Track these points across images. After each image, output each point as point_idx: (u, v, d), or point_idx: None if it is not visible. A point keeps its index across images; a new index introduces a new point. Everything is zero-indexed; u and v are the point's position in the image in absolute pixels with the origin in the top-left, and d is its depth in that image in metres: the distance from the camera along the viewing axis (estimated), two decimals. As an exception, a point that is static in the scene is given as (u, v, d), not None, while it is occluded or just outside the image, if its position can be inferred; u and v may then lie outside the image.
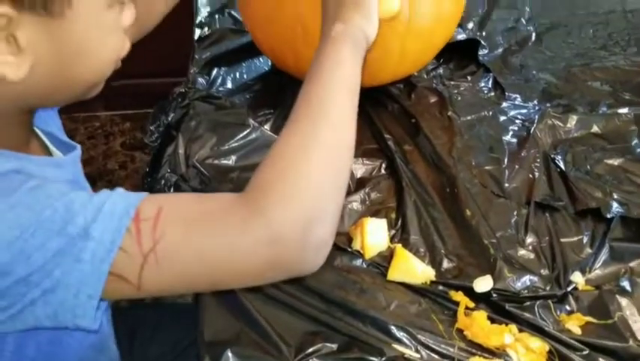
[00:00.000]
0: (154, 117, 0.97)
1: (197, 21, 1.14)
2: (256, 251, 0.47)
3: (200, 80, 1.00)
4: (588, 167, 0.85)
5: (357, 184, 0.81)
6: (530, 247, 0.73)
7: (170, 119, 0.94)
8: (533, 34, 1.14)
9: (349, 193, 0.79)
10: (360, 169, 0.83)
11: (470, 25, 1.13)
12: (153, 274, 0.46)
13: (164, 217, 0.46)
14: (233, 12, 1.15)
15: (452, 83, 1.00)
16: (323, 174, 0.50)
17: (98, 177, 1.93)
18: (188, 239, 0.47)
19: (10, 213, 0.44)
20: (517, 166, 0.84)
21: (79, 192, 0.47)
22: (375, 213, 0.77)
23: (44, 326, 0.47)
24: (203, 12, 1.17)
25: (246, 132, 0.86)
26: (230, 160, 0.83)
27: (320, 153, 0.50)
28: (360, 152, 0.86)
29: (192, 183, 0.79)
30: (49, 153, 0.61)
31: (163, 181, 0.81)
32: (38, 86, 0.49)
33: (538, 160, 0.85)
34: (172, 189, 0.80)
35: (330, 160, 0.51)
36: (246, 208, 0.48)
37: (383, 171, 0.84)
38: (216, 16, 1.15)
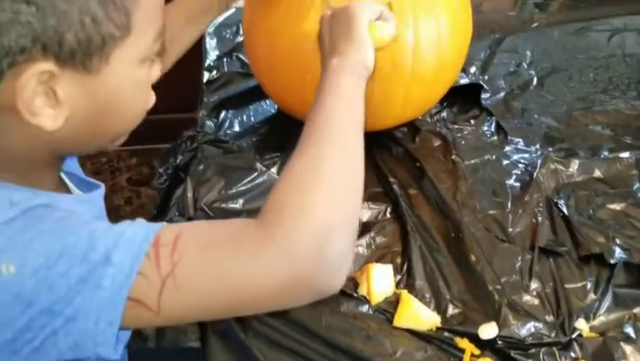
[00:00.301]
0: (163, 160, 0.99)
1: (206, 64, 1.17)
2: (272, 271, 0.47)
3: (209, 122, 1.02)
4: (591, 211, 0.86)
5: (362, 228, 0.82)
6: (535, 293, 0.74)
7: (178, 161, 0.95)
8: (535, 78, 1.16)
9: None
10: (366, 213, 0.85)
11: (473, 70, 1.16)
12: (172, 299, 0.47)
13: (182, 242, 0.48)
14: (240, 55, 1.18)
15: (456, 126, 1.02)
16: (332, 189, 0.51)
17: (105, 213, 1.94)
18: (204, 262, 0.48)
19: (36, 241, 0.46)
20: (520, 211, 0.85)
21: (102, 222, 0.49)
22: (381, 258, 0.77)
23: (66, 359, 0.47)
24: (212, 55, 1.20)
25: (253, 176, 0.88)
26: (238, 204, 0.85)
27: (327, 170, 0.52)
28: (366, 196, 0.86)
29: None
30: (69, 192, 0.63)
31: (171, 224, 0.83)
32: (72, 135, 0.51)
33: (541, 205, 0.86)
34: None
35: (339, 176, 0.52)
36: (260, 230, 0.49)
37: (388, 215, 0.85)
38: (224, 59, 1.18)
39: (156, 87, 1.02)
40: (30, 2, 0.44)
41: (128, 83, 0.52)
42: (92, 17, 0.47)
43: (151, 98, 0.57)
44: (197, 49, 1.17)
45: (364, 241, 0.80)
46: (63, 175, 0.63)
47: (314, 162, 0.53)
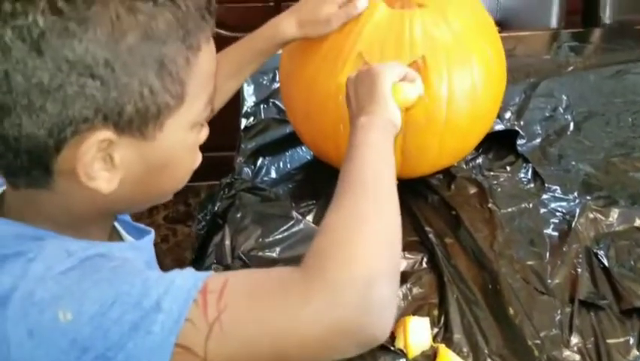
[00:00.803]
0: (201, 206, 1.01)
1: (244, 111, 1.20)
2: (317, 318, 0.48)
3: (246, 169, 1.04)
4: (632, 263, 0.84)
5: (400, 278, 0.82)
6: (575, 348, 0.73)
7: (216, 208, 0.97)
8: (571, 124, 1.16)
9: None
10: (402, 263, 0.85)
11: (508, 115, 1.16)
12: (218, 345, 0.47)
13: (229, 290, 0.49)
14: (277, 102, 1.20)
15: (492, 173, 1.02)
16: (371, 240, 0.52)
17: (141, 252, 1.97)
18: (250, 309, 0.48)
19: (93, 289, 0.47)
20: (559, 261, 0.84)
21: (154, 271, 0.51)
22: (418, 310, 0.77)
23: None
24: (249, 101, 1.23)
25: (289, 224, 0.89)
26: (275, 252, 0.86)
27: (364, 223, 0.53)
28: (402, 245, 0.87)
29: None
30: (121, 238, 0.65)
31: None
32: (125, 196, 0.53)
33: (581, 255, 0.85)
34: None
35: (376, 227, 0.54)
36: (305, 277, 0.50)
37: (424, 264, 0.85)
38: (261, 105, 1.21)
39: None
40: (95, 76, 0.46)
41: (180, 147, 0.54)
42: (150, 88, 0.49)
43: (198, 158, 0.58)
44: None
45: (401, 292, 0.80)
46: (116, 223, 0.65)
47: (351, 216, 0.54)
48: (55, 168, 0.50)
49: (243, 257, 0.85)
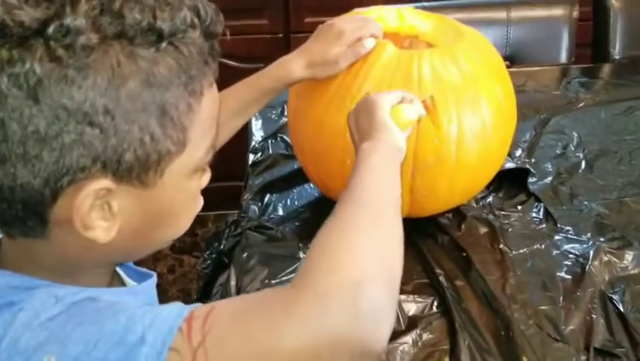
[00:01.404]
0: (207, 244, 1.00)
1: (251, 146, 1.19)
2: (304, 330, 0.45)
3: (253, 207, 1.03)
4: (648, 308, 0.82)
5: (408, 322, 0.80)
6: (592, 399, 0.70)
7: (222, 246, 0.96)
8: (583, 162, 1.14)
9: (400, 334, 0.78)
10: (412, 306, 0.83)
11: (518, 153, 1.15)
12: None
13: (214, 313, 0.47)
14: (285, 137, 1.20)
15: (502, 213, 1.00)
16: (366, 247, 0.51)
17: (146, 283, 1.95)
18: (234, 329, 0.46)
19: (77, 330, 0.45)
20: (573, 306, 0.82)
21: (143, 307, 0.48)
22: (428, 357, 0.75)
23: None
24: (257, 136, 1.22)
25: (295, 266, 0.88)
26: (281, 294, 0.84)
27: (356, 232, 0.52)
28: (411, 287, 0.86)
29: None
30: (123, 283, 0.63)
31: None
32: (123, 246, 0.52)
33: (596, 300, 0.83)
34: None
35: (369, 236, 0.52)
36: (291, 291, 0.48)
37: (435, 308, 0.83)
38: (269, 140, 1.20)
39: None
40: (94, 124, 0.45)
41: (180, 194, 0.53)
42: (151, 135, 0.47)
43: (200, 203, 0.57)
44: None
45: (410, 338, 0.77)
46: (118, 268, 0.63)
47: (342, 228, 0.53)
48: (51, 218, 0.48)
49: (249, 299, 0.83)
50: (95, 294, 0.50)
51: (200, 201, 0.57)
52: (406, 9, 0.98)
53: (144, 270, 0.66)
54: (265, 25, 1.96)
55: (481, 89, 0.86)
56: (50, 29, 0.43)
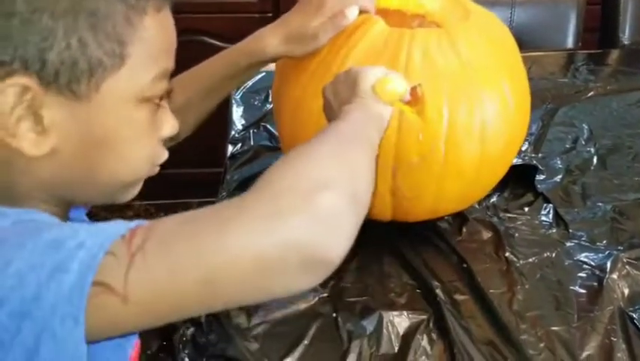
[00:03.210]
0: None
1: (231, 136, 1.09)
2: (254, 229, 0.41)
3: (230, 205, 0.92)
4: (674, 328, 0.73)
5: (401, 343, 0.70)
6: None
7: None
8: (594, 157, 1.04)
9: (393, 358, 0.68)
10: (405, 323, 0.73)
11: (525, 147, 1.04)
12: (139, 273, 0.41)
13: (162, 220, 0.44)
14: (269, 126, 1.09)
15: (508, 215, 0.90)
16: (328, 159, 0.48)
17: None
18: (180, 229, 0.43)
19: (14, 239, 0.42)
20: (589, 327, 0.72)
21: None
22: (424, 387, 0.65)
23: None
24: (238, 125, 1.12)
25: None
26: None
27: (324, 149, 0.50)
28: (404, 300, 0.76)
29: (212, 339, 0.69)
30: None
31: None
32: (63, 174, 0.49)
33: (615, 321, 0.73)
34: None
35: (336, 153, 0.49)
36: (245, 194, 0.45)
37: (431, 326, 0.73)
38: (251, 130, 1.10)
39: (186, 141, 0.97)
40: (12, 14, 0.44)
41: (125, 122, 0.50)
42: (79, 39, 0.46)
43: (161, 153, 0.55)
44: (227, 100, 1.09)
45: (404, 363, 0.67)
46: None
47: (308, 145, 0.50)
48: None
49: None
50: (45, 217, 0.47)
51: (162, 152, 0.55)
52: None
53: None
54: (254, 4, 1.87)
55: (482, 81, 0.74)
56: None
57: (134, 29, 0.48)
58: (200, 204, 1.64)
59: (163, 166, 0.56)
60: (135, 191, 0.55)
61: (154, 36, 0.50)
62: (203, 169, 2.00)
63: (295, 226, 0.42)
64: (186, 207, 1.72)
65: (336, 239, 0.43)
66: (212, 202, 0.97)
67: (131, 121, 0.51)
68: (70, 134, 0.48)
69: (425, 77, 0.71)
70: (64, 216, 0.55)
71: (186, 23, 1.77)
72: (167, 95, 0.54)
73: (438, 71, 0.72)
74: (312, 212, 0.42)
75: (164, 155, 0.55)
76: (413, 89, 0.70)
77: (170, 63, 0.52)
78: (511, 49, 0.82)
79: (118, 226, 0.43)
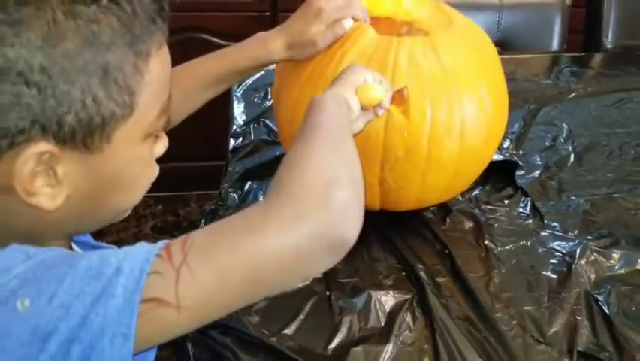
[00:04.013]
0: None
1: (232, 130, 1.15)
2: (286, 228, 0.47)
3: (233, 194, 0.99)
4: (633, 309, 0.80)
5: (387, 318, 0.77)
6: (574, 405, 0.68)
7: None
8: (572, 155, 1.12)
9: (380, 330, 0.75)
10: (391, 302, 0.80)
11: (506, 144, 1.12)
12: (189, 286, 0.45)
13: (192, 236, 0.47)
14: (268, 122, 1.16)
15: (489, 207, 0.98)
16: (327, 155, 0.53)
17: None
18: (216, 239, 0.47)
19: (50, 272, 0.45)
20: (557, 308, 0.80)
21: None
22: (408, 356, 0.73)
23: None
24: (239, 120, 1.18)
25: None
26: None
27: (319, 148, 0.54)
28: (391, 281, 0.83)
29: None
30: None
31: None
32: (73, 214, 0.51)
33: (580, 301, 0.80)
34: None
35: (331, 147, 0.55)
36: (267, 200, 0.50)
37: (415, 304, 0.80)
38: (252, 125, 1.16)
39: (184, 135, 1.02)
40: (30, 84, 0.44)
41: (132, 160, 0.52)
42: (94, 97, 0.46)
43: (155, 171, 0.56)
44: (226, 94, 1.15)
45: (389, 336, 0.75)
46: (74, 245, 0.61)
47: (305, 147, 0.55)
48: None
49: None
50: (65, 250, 0.49)
51: (156, 170, 0.56)
52: None
53: (104, 245, 0.64)
54: (252, 3, 1.92)
55: (462, 85, 0.81)
56: None
57: (142, 76, 0.49)
58: (199, 197, 1.74)
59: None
60: (129, 212, 0.58)
61: (157, 76, 0.51)
62: (200, 163, 2.06)
63: (319, 220, 0.48)
64: (185, 199, 1.81)
65: (351, 224, 0.51)
66: (210, 196, 1.03)
67: (137, 158, 0.52)
68: (82, 182, 0.49)
69: (410, 80, 0.79)
70: (69, 247, 0.58)
71: (187, 21, 1.84)
72: (167, 123, 0.55)
73: (422, 75, 0.79)
74: (330, 207, 0.49)
75: (157, 172, 0.57)
76: (400, 91, 0.78)
77: (168, 93, 0.53)
78: (490, 55, 0.89)
79: (146, 248, 0.46)
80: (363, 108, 0.69)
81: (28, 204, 0.48)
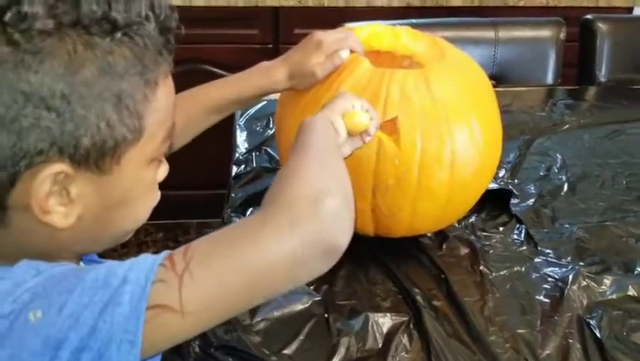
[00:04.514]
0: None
1: (235, 157, 1.19)
2: (281, 236, 0.50)
3: (235, 219, 1.02)
4: (624, 334, 0.82)
5: (384, 340, 0.79)
6: None
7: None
8: (565, 184, 1.15)
9: (377, 352, 0.77)
10: (388, 324, 0.82)
11: (502, 173, 1.15)
12: (192, 292, 0.48)
13: (193, 245, 0.51)
14: (269, 150, 1.19)
15: (484, 234, 1.00)
16: (316, 172, 0.56)
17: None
18: (215, 250, 0.50)
19: (60, 284, 0.47)
20: (550, 331, 0.82)
21: None
22: (404, 379, 0.75)
23: None
24: (242, 148, 1.22)
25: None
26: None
27: (310, 164, 0.58)
28: (389, 304, 0.85)
29: (218, 333, 0.79)
30: None
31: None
32: (83, 234, 0.54)
33: (573, 325, 0.82)
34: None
35: (321, 163, 0.58)
36: (260, 213, 0.53)
37: (411, 326, 0.82)
38: (254, 153, 1.20)
39: (186, 164, 1.04)
40: (51, 109, 0.47)
41: (138, 182, 0.55)
42: (107, 122, 0.50)
43: (156, 196, 0.59)
44: (228, 124, 1.18)
45: (386, 358, 0.77)
46: (82, 264, 0.63)
47: (294, 163, 0.58)
48: (9, 204, 0.50)
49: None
50: (75, 266, 0.52)
51: (158, 194, 0.59)
52: (401, 27, 0.97)
53: (108, 261, 0.65)
54: (255, 36, 1.97)
55: (452, 116, 0.84)
56: (8, 15, 0.46)
57: (149, 103, 0.52)
58: (200, 225, 1.77)
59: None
60: (131, 235, 0.60)
61: (163, 103, 0.54)
62: (200, 191, 2.09)
63: (311, 227, 0.52)
64: (185, 227, 1.83)
65: (342, 230, 0.54)
66: (210, 224, 1.06)
67: (142, 180, 0.55)
68: (93, 202, 0.52)
69: (401, 111, 0.82)
70: (77, 261, 0.60)
71: (192, 53, 1.89)
72: (169, 148, 0.58)
73: (412, 106, 0.83)
74: (322, 214, 0.52)
75: (158, 196, 0.59)
76: (391, 121, 0.82)
77: (171, 120, 0.57)
78: (482, 87, 0.92)
79: (150, 258, 0.49)
80: (350, 134, 0.73)
81: (43, 222, 0.50)
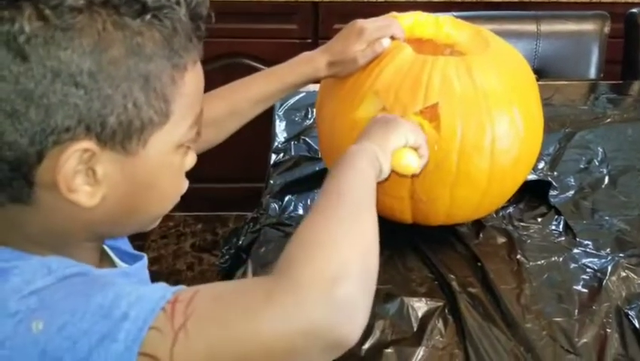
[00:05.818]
0: (226, 241, 1.01)
1: (274, 146, 1.21)
2: (280, 319, 0.46)
3: (273, 205, 1.04)
4: (665, 325, 0.81)
5: (419, 324, 0.80)
6: (601, 413, 0.70)
7: (241, 242, 0.97)
8: (606, 177, 1.13)
9: (412, 336, 0.78)
10: (424, 309, 0.83)
11: (541, 165, 1.14)
12: (184, 352, 0.46)
13: (198, 297, 0.48)
14: (307, 139, 1.21)
15: (522, 224, 1.00)
16: (343, 240, 0.51)
17: (166, 277, 1.97)
18: (214, 314, 0.47)
19: (65, 300, 0.47)
20: (588, 320, 0.81)
21: (131, 284, 0.50)
22: (439, 360, 0.75)
23: None
24: (280, 137, 1.23)
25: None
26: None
27: (335, 228, 0.53)
28: (425, 289, 0.86)
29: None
30: (113, 265, 0.65)
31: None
32: (108, 216, 0.54)
33: (611, 315, 0.82)
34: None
35: (350, 230, 0.53)
36: (270, 280, 0.49)
37: (446, 312, 0.83)
38: (292, 142, 1.21)
39: (226, 157, 1.05)
40: (79, 85, 0.47)
41: (164, 168, 0.54)
42: (134, 102, 0.50)
43: (184, 184, 0.59)
44: (266, 119, 1.20)
45: (421, 340, 0.78)
46: (109, 250, 0.65)
47: (322, 220, 0.54)
48: (36, 180, 0.50)
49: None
50: (87, 270, 0.51)
51: (185, 183, 0.59)
52: (444, 17, 0.98)
53: (135, 252, 0.67)
54: (294, 30, 1.99)
55: (493, 105, 0.84)
56: None
57: (177, 87, 0.52)
58: (237, 218, 1.78)
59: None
60: (158, 222, 0.60)
61: (191, 89, 0.54)
62: (238, 185, 2.13)
63: (318, 316, 0.46)
64: (224, 219, 1.85)
65: (353, 324, 0.48)
66: (247, 216, 1.07)
67: (169, 166, 0.55)
68: (118, 184, 0.52)
69: (442, 97, 0.83)
70: (99, 247, 0.61)
71: (232, 47, 1.92)
72: (197, 136, 0.57)
73: (453, 93, 0.83)
74: (332, 303, 0.47)
75: (186, 185, 0.59)
76: (432, 107, 0.82)
77: (200, 107, 0.56)
78: (525, 78, 0.92)
79: (156, 295, 0.48)
80: (394, 171, 0.72)
81: (69, 200, 0.50)
